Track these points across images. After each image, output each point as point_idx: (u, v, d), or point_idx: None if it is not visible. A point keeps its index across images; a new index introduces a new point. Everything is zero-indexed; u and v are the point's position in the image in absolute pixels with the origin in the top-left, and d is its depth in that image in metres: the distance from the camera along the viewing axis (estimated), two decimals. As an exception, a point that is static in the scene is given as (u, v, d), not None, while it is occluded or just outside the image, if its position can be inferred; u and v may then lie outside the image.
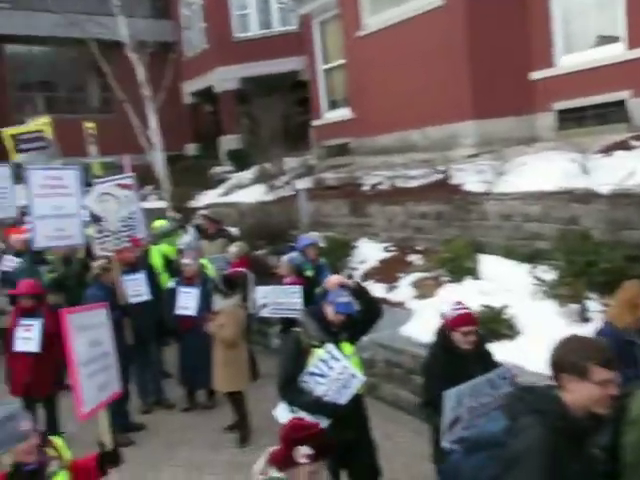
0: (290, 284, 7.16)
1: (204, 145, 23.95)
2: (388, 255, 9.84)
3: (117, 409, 6.53)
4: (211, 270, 8.39)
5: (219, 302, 6.58)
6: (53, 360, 6.30)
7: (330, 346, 4.17)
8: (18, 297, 6.50)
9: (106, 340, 3.94)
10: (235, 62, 20.54)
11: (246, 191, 15.72)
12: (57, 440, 3.24)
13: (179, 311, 7.29)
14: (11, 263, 9.11)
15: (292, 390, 4.20)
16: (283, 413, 4.29)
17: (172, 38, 23.00)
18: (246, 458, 6.11)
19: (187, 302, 7.31)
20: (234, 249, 8.68)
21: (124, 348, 6.29)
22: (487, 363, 4.29)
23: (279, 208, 12.33)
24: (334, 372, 4.11)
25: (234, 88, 20.93)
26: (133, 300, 7.14)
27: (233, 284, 6.72)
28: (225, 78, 21.06)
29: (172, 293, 7.45)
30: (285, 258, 7.60)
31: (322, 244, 10.96)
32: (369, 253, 10.08)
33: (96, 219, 6.95)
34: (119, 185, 7.17)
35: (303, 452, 2.74)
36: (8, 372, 6.46)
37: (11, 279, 8.29)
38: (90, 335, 3.75)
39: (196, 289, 7.33)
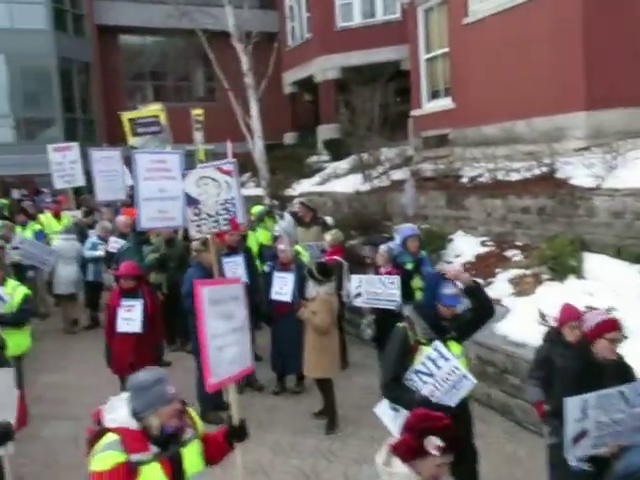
0: (387, 274, 7.06)
1: (302, 134, 24.22)
2: (485, 250, 9.52)
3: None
4: (306, 257, 8.47)
5: (313, 289, 6.59)
6: (154, 340, 6.49)
7: (438, 344, 3.94)
8: (120, 278, 6.58)
9: (239, 315, 3.91)
10: (336, 51, 20.59)
11: (342, 181, 15.74)
12: (191, 410, 3.28)
13: (274, 296, 7.40)
14: (116, 244, 9.57)
15: (396, 388, 4.00)
16: (386, 411, 4.13)
17: (276, 28, 23.38)
18: (332, 445, 6.15)
19: (282, 287, 7.40)
20: (329, 237, 8.69)
21: None
22: (626, 377, 3.92)
23: (374, 199, 12.24)
24: (442, 372, 3.89)
25: (334, 77, 21.00)
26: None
27: (327, 272, 6.69)
28: (326, 67, 21.16)
29: (268, 278, 7.58)
30: (383, 248, 7.47)
31: (418, 236, 10.82)
32: (465, 247, 9.80)
33: (193, 202, 6.81)
34: (220, 170, 7.28)
35: (434, 443, 2.55)
36: (109, 352, 6.55)
37: (117, 259, 8.73)
38: (223, 309, 3.76)
39: (291, 275, 7.41)
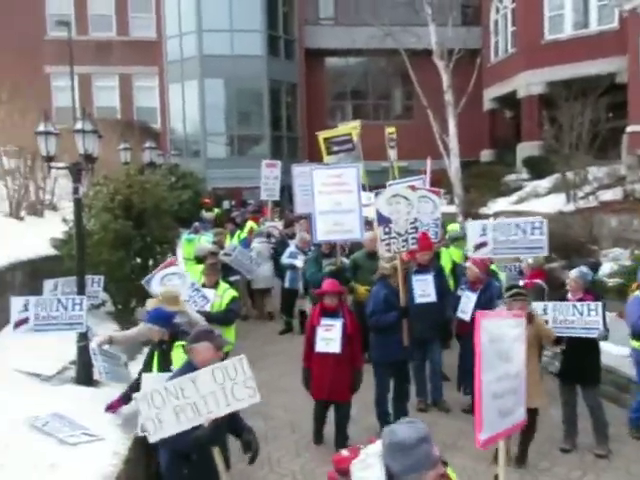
0: (578, 301, 6.45)
1: (500, 152, 23.42)
2: None
3: (398, 406, 6.70)
4: (502, 277, 8.10)
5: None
6: (351, 362, 6.19)
7: None
8: (322, 296, 6.28)
9: (518, 357, 3.40)
10: (542, 65, 19.59)
11: (542, 200, 14.90)
12: (451, 471, 2.76)
13: (459, 315, 7.19)
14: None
15: None
16: None
17: (478, 45, 22.94)
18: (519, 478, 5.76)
19: (467, 306, 7.18)
20: (531, 260, 8.19)
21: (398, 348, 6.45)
22: None
23: (579, 220, 11.36)
24: None
25: (539, 92, 19.99)
26: (420, 300, 7.16)
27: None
28: (530, 82, 20.24)
29: (458, 297, 7.38)
30: (575, 273, 6.73)
31: (627, 262, 9.80)
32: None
33: (384, 220, 6.79)
34: (411, 187, 7.23)
35: None
36: (308, 375, 6.35)
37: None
38: (501, 347, 3.27)
39: (476, 294, 7.14)
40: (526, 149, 20.23)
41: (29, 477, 4.17)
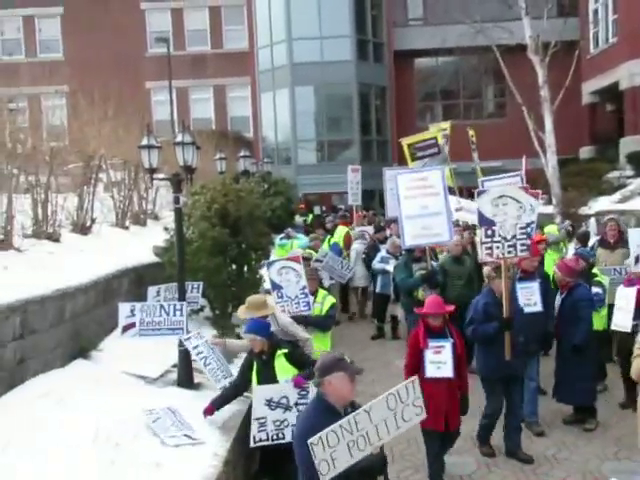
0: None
1: (601, 148, 22.23)
2: None
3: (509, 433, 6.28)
4: (604, 281, 7.69)
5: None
6: (462, 386, 5.68)
7: None
8: (426, 316, 5.64)
9: None
10: (648, 54, 18.44)
11: (649, 198, 13.98)
12: None
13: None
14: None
15: None
16: None
17: (576, 36, 21.92)
18: None
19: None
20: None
21: (501, 363, 6.02)
22: None
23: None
24: None
25: (644, 83, 18.82)
26: (526, 310, 6.69)
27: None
28: (634, 72, 19.09)
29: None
30: None
31: None
32: None
33: (487, 222, 6.29)
34: (526, 190, 6.62)
35: None
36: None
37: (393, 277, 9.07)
38: None
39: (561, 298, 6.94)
40: (630, 144, 19.08)
41: (137, 475, 4.41)
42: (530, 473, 5.93)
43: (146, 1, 26.46)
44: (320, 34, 23.97)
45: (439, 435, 5.55)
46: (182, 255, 6.92)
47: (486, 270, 6.71)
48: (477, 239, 8.84)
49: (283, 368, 5.31)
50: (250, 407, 6.00)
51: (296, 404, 5.13)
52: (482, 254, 6.48)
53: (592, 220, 13.85)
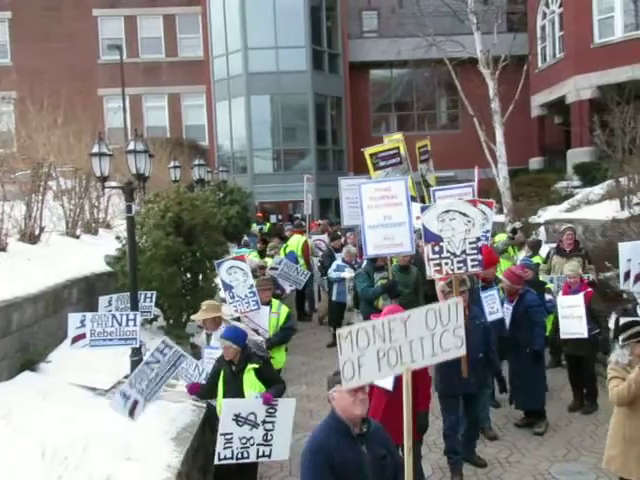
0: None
1: (549, 159, 22.97)
2: None
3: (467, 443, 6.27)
4: (552, 287, 7.92)
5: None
6: (417, 404, 4.95)
7: None
8: None
9: None
10: (592, 69, 19.16)
11: (594, 207, 14.47)
12: None
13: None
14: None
15: None
16: None
17: (525, 51, 22.61)
18: None
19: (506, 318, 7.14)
20: (570, 268, 7.88)
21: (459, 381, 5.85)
22: None
23: (635, 227, 10.97)
24: None
25: (589, 97, 19.52)
26: (490, 318, 6.82)
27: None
28: (580, 87, 19.79)
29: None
30: None
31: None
32: None
33: (433, 238, 6.15)
34: (479, 202, 6.88)
35: None
36: None
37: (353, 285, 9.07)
38: None
39: (512, 306, 7.10)
40: (577, 155, 19.76)
41: (87, 489, 4.29)
42: (483, 477, 6.04)
43: (99, 8, 26.03)
44: (276, 44, 24.04)
45: None
46: (134, 264, 6.80)
47: (440, 285, 6.37)
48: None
49: (251, 383, 5.19)
50: (205, 418, 5.96)
51: (263, 422, 4.98)
52: (430, 271, 6.20)
53: (542, 229, 14.22)
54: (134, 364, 6.32)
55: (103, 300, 7.31)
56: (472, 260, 6.06)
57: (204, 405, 6.03)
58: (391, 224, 7.70)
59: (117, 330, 6.18)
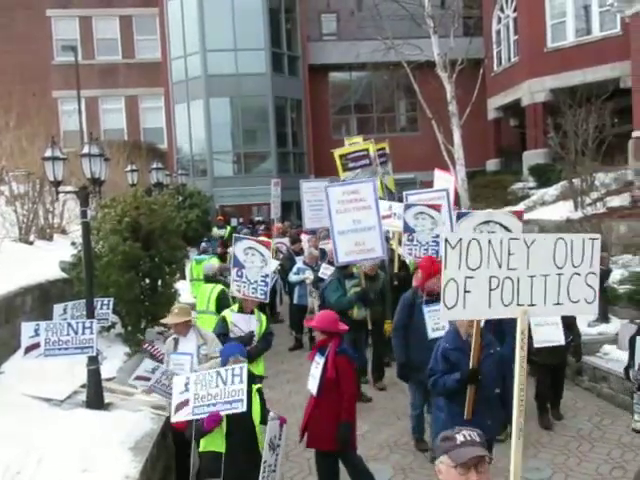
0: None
1: (506, 160, 23.42)
2: None
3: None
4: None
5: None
6: (332, 409, 5.14)
7: None
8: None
9: None
10: (546, 73, 19.62)
11: (549, 208, 14.83)
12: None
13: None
14: (327, 271, 9.40)
15: None
16: None
17: (481, 54, 23.06)
18: None
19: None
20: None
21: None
22: None
23: (588, 227, 11.29)
24: None
25: (543, 100, 20.00)
26: (433, 335, 6.02)
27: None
28: (534, 90, 20.26)
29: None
30: None
31: (637, 268, 9.72)
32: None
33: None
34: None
35: None
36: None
37: (321, 293, 8.67)
38: None
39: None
40: (532, 157, 20.20)
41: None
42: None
43: (52, 8, 25.43)
44: (235, 46, 23.88)
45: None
46: (90, 270, 6.65)
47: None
48: (393, 245, 9.34)
49: (256, 406, 4.80)
50: (164, 425, 5.86)
51: (278, 445, 4.58)
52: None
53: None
54: (91, 373, 6.18)
55: (58, 308, 7.11)
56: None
57: (165, 413, 5.93)
58: (361, 229, 7.57)
59: (73, 339, 6.02)
